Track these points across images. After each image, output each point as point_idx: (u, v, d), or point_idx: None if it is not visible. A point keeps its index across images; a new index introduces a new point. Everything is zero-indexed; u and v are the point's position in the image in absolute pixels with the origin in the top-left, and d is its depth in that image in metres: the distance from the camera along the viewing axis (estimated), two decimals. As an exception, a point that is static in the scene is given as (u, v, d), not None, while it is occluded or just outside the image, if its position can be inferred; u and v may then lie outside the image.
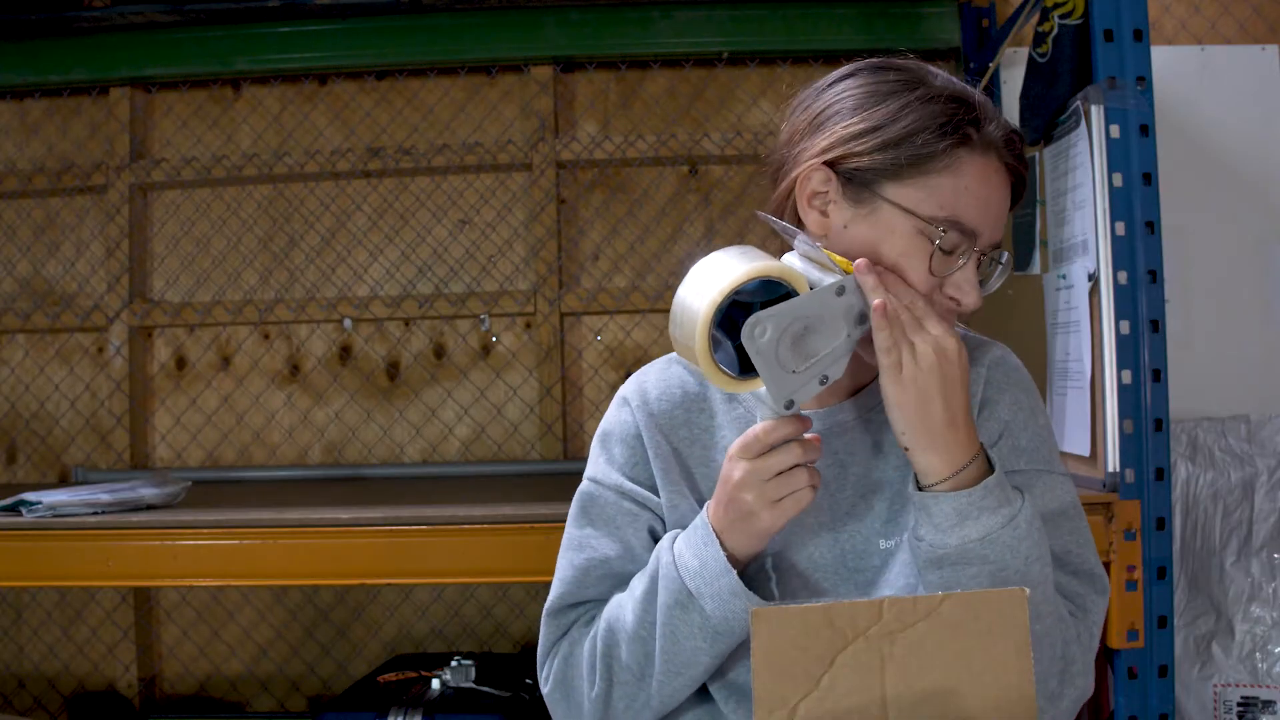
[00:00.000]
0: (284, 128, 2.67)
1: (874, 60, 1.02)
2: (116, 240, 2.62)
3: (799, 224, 1.02)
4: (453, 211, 2.65)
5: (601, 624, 1.03)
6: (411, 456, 2.63)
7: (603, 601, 1.06)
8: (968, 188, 0.94)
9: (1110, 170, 1.62)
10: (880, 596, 0.99)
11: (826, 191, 0.98)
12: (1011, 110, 2.37)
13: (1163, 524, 1.65)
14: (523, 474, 2.53)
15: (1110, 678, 1.73)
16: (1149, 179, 1.62)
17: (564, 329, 2.60)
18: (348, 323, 2.62)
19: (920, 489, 0.93)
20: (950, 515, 0.90)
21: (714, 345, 0.90)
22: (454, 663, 1.96)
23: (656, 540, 1.06)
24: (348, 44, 2.57)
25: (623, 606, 1.01)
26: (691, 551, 0.96)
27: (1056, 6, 1.77)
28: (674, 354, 1.13)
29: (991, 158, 0.96)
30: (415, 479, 2.55)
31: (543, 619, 1.09)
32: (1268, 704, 1.92)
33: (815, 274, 0.91)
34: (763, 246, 0.93)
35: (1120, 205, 1.61)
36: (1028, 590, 0.78)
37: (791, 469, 0.91)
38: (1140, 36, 1.64)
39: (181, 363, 2.68)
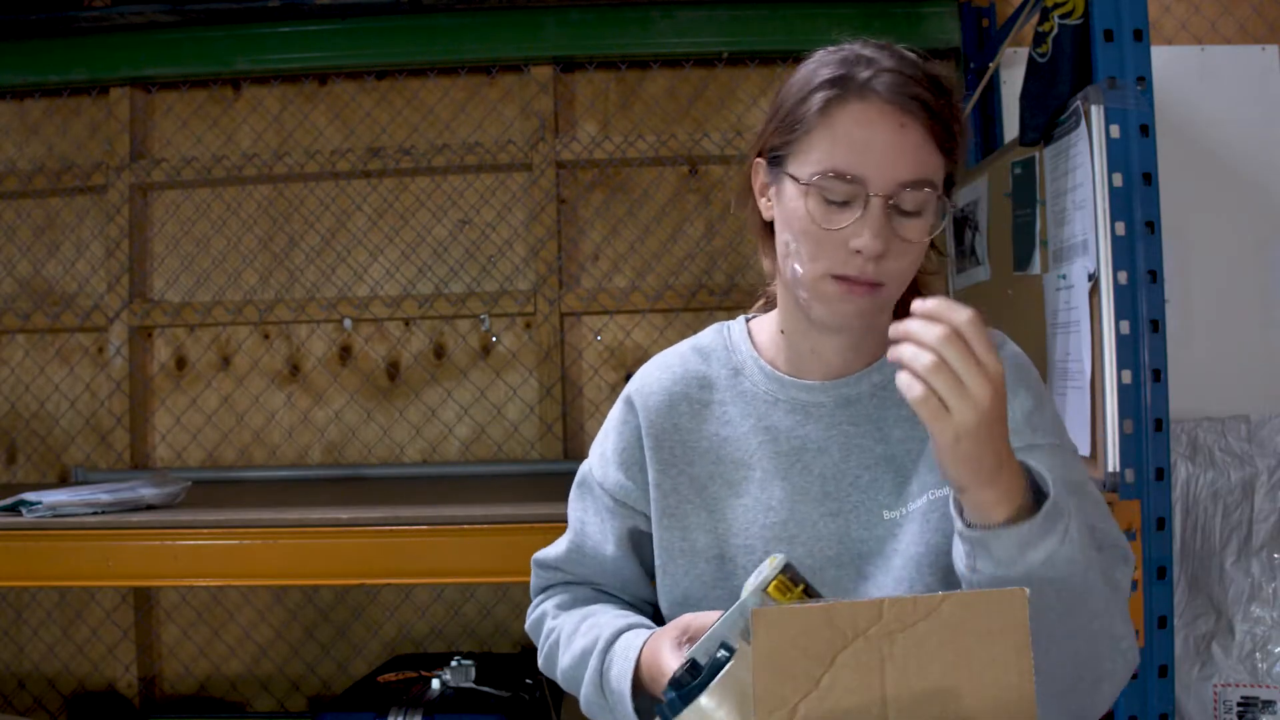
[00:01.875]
0: (284, 128, 2.67)
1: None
2: (116, 240, 2.62)
3: (768, 222, 1.06)
4: (453, 211, 2.65)
5: (558, 625, 1.13)
6: (411, 456, 2.63)
7: (576, 581, 1.18)
8: (840, 137, 0.95)
9: (1110, 170, 1.62)
10: (888, 563, 1.00)
11: (768, 182, 1.03)
12: (1011, 110, 2.37)
13: (1163, 524, 1.65)
14: (523, 474, 2.53)
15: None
16: (1149, 179, 1.62)
17: (564, 329, 2.60)
18: (348, 323, 2.62)
19: (970, 526, 0.88)
20: (1013, 548, 0.86)
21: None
22: (454, 663, 1.96)
23: (634, 537, 1.12)
24: (348, 44, 2.57)
25: (570, 637, 1.09)
26: (618, 671, 1.01)
27: (1056, 6, 1.77)
28: (678, 344, 1.16)
29: (871, 101, 0.95)
30: (415, 479, 2.55)
31: (533, 563, 1.21)
32: (1268, 704, 1.92)
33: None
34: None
35: (1120, 205, 1.61)
36: (1027, 591, 0.78)
37: None
38: (1140, 36, 1.64)
39: (181, 363, 2.68)
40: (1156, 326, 1.60)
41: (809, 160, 0.96)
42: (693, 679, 0.84)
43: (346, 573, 1.78)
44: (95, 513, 1.77)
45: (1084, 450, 1.66)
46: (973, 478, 0.85)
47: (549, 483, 2.22)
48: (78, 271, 2.69)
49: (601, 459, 1.14)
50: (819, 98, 0.96)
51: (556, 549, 1.18)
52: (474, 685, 1.93)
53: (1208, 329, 2.37)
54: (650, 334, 2.58)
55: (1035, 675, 0.78)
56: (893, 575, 1.00)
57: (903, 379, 0.83)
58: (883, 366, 1.05)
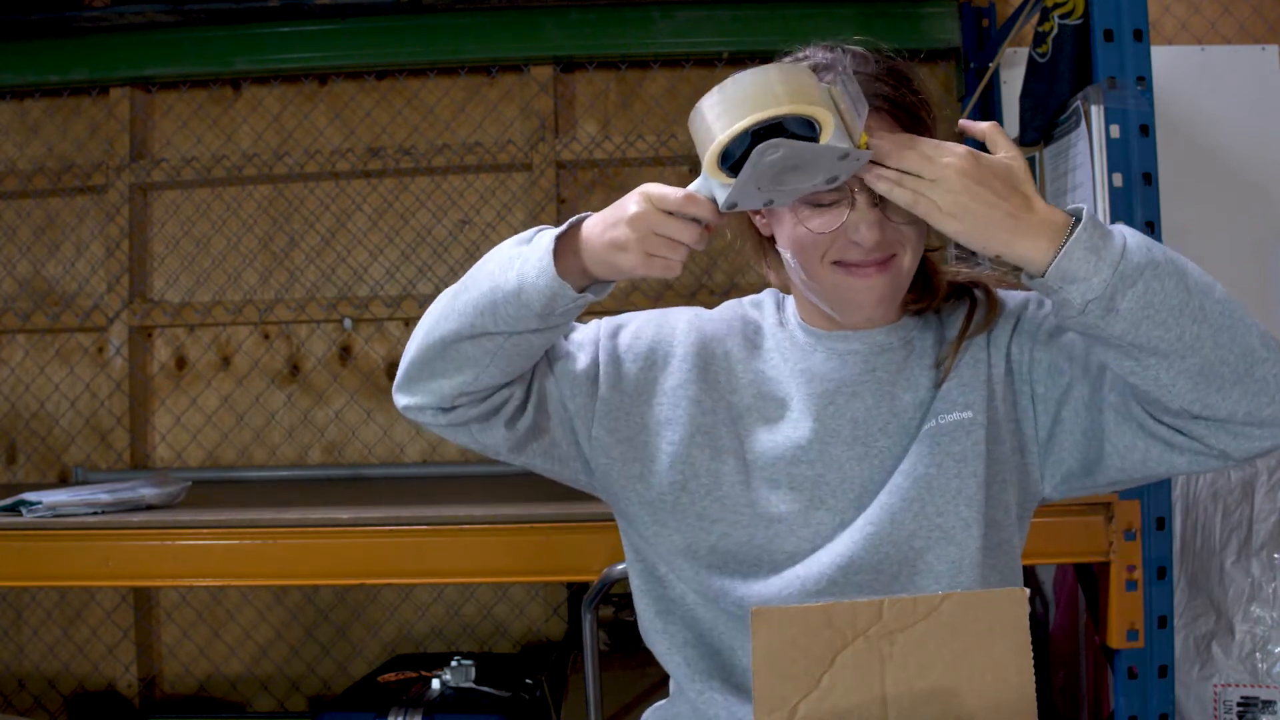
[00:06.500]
0: (284, 128, 2.67)
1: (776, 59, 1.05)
2: (116, 240, 2.62)
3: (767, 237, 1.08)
4: (453, 211, 2.65)
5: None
6: (411, 456, 2.63)
7: None
8: None
9: (1110, 170, 1.62)
10: (898, 485, 1.02)
11: None
12: (1011, 110, 2.37)
13: (1163, 524, 1.65)
14: (523, 474, 2.51)
15: (1110, 678, 1.73)
16: (1149, 179, 1.62)
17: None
18: (348, 323, 2.62)
19: (1040, 277, 0.89)
20: (1085, 257, 0.87)
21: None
22: (454, 663, 1.96)
23: (574, 384, 1.08)
24: (348, 44, 2.57)
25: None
26: (555, 226, 0.99)
27: (1056, 6, 1.77)
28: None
29: None
30: (415, 479, 2.55)
31: None
32: (1268, 704, 1.92)
33: (835, 126, 0.90)
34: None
35: (1120, 205, 1.62)
36: (1027, 591, 0.78)
37: (679, 243, 0.92)
38: (1140, 36, 1.64)
39: (181, 363, 2.68)
40: (1156, 326, 1.60)
41: None
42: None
43: (346, 573, 1.78)
44: (95, 513, 1.77)
45: (1084, 450, 1.66)
46: (996, 238, 0.89)
47: (549, 483, 2.22)
48: (78, 271, 2.69)
49: (610, 338, 1.12)
50: None
51: None
52: (474, 685, 1.93)
53: (1208, 329, 2.37)
54: (650, 334, 2.58)
55: (1192, 359, 0.87)
56: (899, 495, 1.01)
57: (887, 190, 0.91)
58: (904, 323, 1.09)
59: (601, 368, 1.09)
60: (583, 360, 1.09)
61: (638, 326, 1.13)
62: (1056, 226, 0.89)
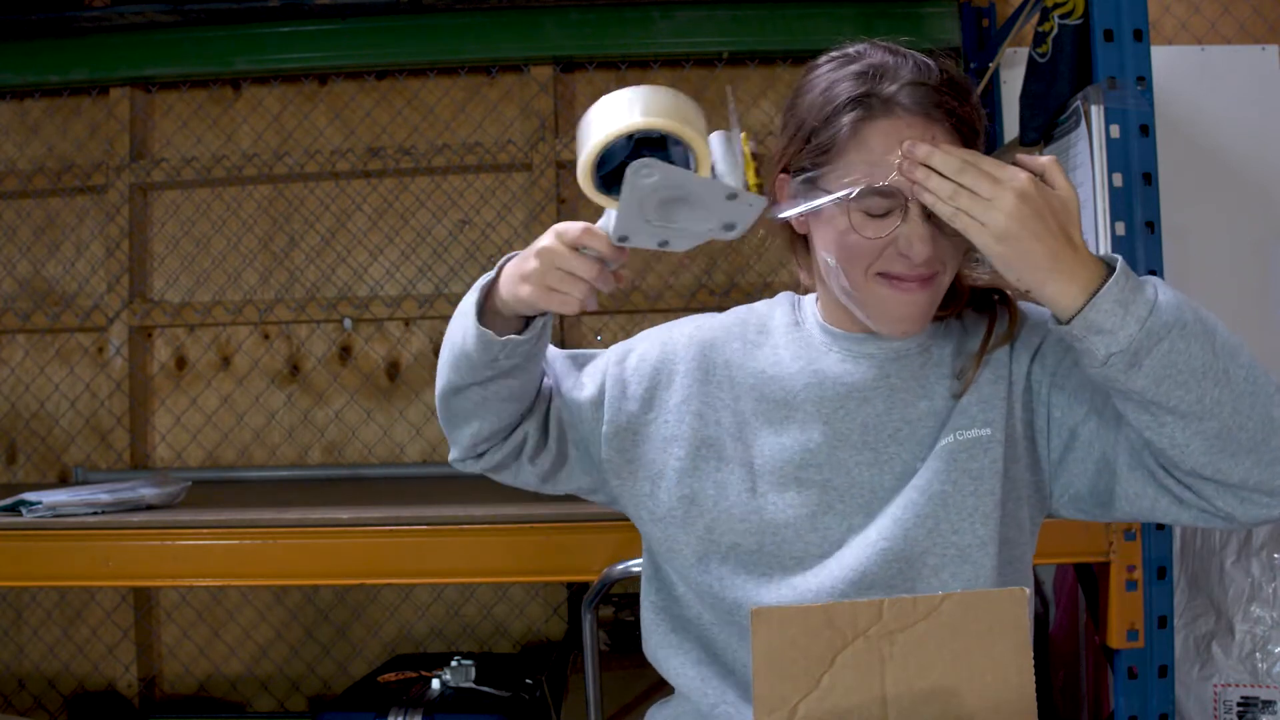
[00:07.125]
0: (284, 128, 2.67)
1: (825, 54, 1.05)
2: (116, 240, 2.62)
3: (801, 235, 1.08)
4: (453, 211, 2.65)
5: None
6: (411, 456, 2.63)
7: None
8: (876, 159, 0.96)
9: (1110, 170, 1.62)
10: (913, 500, 1.01)
11: (796, 196, 1.02)
12: (1011, 110, 2.37)
13: (1163, 524, 1.65)
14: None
15: (1110, 678, 1.74)
16: (1149, 179, 1.62)
17: (564, 329, 2.60)
18: (348, 323, 2.62)
19: (1067, 323, 0.89)
20: (1114, 309, 0.87)
21: (603, 159, 0.88)
22: (454, 663, 1.96)
23: (585, 411, 1.11)
24: (348, 44, 2.57)
25: None
26: (492, 269, 1.03)
27: (1056, 6, 1.77)
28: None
29: (900, 117, 0.96)
30: (415, 479, 2.55)
31: None
32: (1268, 704, 1.92)
33: (722, 165, 0.89)
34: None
35: (1120, 205, 1.61)
36: (1027, 591, 0.78)
37: (579, 278, 0.94)
38: (1140, 36, 1.64)
39: (181, 363, 2.68)
40: (1156, 326, 1.60)
41: (844, 180, 0.97)
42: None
43: (346, 573, 1.78)
44: (95, 513, 1.77)
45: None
46: (1031, 274, 0.89)
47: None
48: (78, 271, 2.69)
49: (618, 364, 1.13)
50: (847, 119, 0.96)
51: None
52: (474, 685, 1.93)
53: (1208, 329, 2.37)
54: (650, 334, 2.58)
55: (1210, 423, 0.87)
56: (914, 510, 1.01)
57: (933, 202, 0.90)
58: (927, 328, 1.07)
59: (607, 392, 1.11)
60: (590, 388, 1.11)
61: (643, 349, 1.14)
62: (1091, 274, 0.88)
